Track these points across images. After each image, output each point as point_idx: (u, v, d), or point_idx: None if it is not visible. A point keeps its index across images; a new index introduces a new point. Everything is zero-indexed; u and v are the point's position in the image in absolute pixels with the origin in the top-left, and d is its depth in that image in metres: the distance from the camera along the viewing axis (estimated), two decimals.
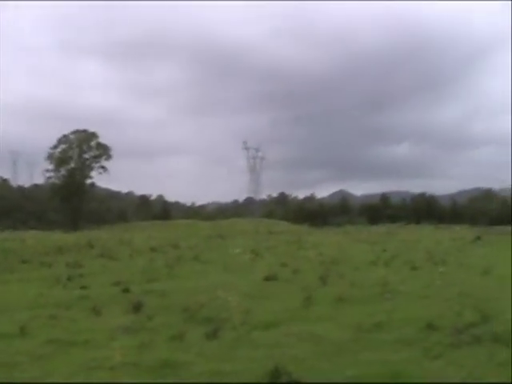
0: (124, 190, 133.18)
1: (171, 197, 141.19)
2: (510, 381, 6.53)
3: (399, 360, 7.53)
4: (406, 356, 7.80)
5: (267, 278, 17.17)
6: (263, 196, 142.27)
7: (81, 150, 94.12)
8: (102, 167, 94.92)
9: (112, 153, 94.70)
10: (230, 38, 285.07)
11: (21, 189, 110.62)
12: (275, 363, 6.85)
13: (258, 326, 10.21)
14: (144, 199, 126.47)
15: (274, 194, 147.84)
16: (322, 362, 7.69)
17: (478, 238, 41.05)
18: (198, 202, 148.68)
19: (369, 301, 12.79)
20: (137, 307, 12.08)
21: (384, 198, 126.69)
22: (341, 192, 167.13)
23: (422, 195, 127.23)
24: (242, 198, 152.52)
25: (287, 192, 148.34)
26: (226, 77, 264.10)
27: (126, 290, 15.02)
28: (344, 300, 12.85)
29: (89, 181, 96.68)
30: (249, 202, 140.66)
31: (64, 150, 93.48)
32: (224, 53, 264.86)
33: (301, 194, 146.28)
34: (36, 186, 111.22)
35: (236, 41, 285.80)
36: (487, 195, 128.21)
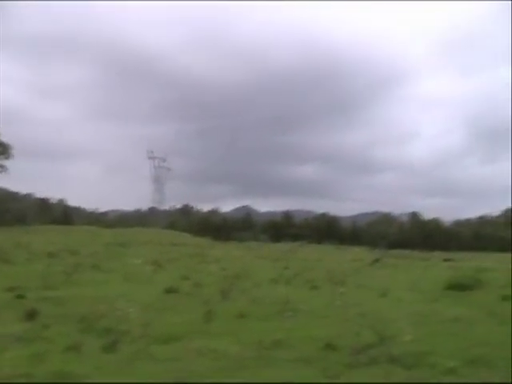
0: (23, 190, 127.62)
1: (73, 201, 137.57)
2: None
3: (298, 378, 7.49)
4: (305, 375, 7.78)
5: (168, 291, 16.83)
6: (166, 207, 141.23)
7: None
8: (1, 166, 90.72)
9: (13, 152, 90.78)
10: (140, 41, 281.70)
11: None
12: (174, 378, 6.64)
13: (157, 339, 9.94)
14: (44, 202, 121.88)
15: (178, 206, 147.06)
16: (221, 377, 7.54)
17: (377, 260, 42.31)
18: (101, 209, 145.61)
19: (269, 318, 12.74)
20: (31, 315, 11.49)
21: (287, 215, 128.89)
22: (245, 207, 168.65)
23: (324, 215, 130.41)
24: (145, 207, 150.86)
25: (191, 204, 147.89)
26: (133, 82, 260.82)
27: (21, 296, 14.32)
28: (245, 316, 12.76)
29: None
30: (152, 211, 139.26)
31: None
32: (133, 57, 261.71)
33: (205, 207, 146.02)
34: None
35: (146, 45, 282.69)
36: (386, 219, 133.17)
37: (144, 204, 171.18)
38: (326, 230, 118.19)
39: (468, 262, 44.42)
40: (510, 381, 7.70)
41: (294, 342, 9.99)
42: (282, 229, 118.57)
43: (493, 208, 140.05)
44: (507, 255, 76.52)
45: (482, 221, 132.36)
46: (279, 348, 9.51)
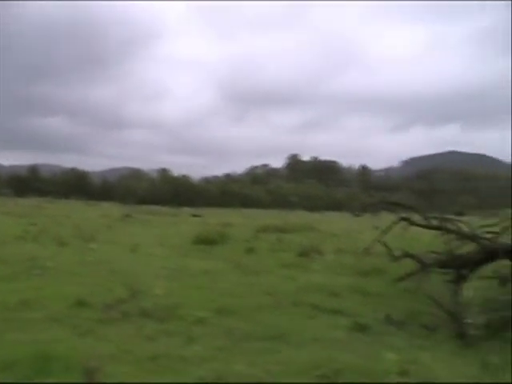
0: None
1: None
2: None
3: (48, 339, 7.21)
4: (55, 334, 7.53)
5: None
6: None
7: None
8: None
9: None
10: None
11: None
12: None
13: None
14: None
15: None
16: None
17: (127, 215, 42.38)
18: None
19: (16, 278, 12.05)
20: None
21: (33, 170, 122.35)
22: None
23: (73, 170, 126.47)
24: None
25: None
26: None
27: None
28: None
29: None
30: None
31: None
32: None
33: None
34: None
35: None
36: (136, 175, 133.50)
37: None
38: (75, 186, 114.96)
39: (215, 218, 46.57)
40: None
41: (43, 301, 9.57)
42: (28, 183, 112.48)
43: (238, 166, 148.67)
44: (251, 211, 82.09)
45: (229, 178, 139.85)
46: (27, 309, 9.07)
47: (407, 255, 12.19)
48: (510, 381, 6.24)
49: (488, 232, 12.54)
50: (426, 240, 12.95)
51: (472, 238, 12.01)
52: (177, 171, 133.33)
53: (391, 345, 7.54)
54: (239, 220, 43.52)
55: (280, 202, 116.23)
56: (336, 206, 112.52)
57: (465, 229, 12.37)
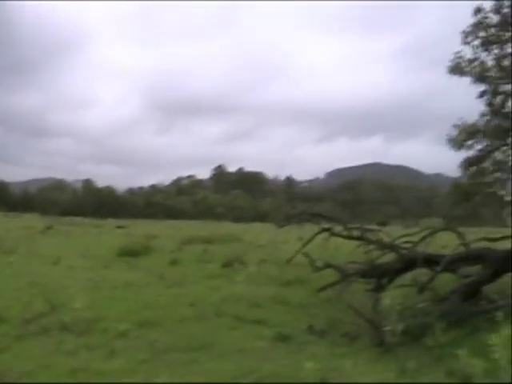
0: None
1: None
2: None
3: None
4: None
5: None
6: None
7: None
8: None
9: None
10: None
11: None
12: None
13: None
14: None
15: None
16: None
17: (49, 227, 41.24)
18: None
19: None
20: None
21: None
22: None
23: None
24: None
25: None
26: None
27: None
28: None
29: None
30: None
31: None
32: None
33: None
34: None
35: None
36: (59, 185, 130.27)
37: None
38: None
39: (140, 229, 46.01)
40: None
41: None
42: None
43: (165, 177, 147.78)
44: (177, 222, 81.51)
45: (154, 189, 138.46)
46: None
47: (329, 265, 12.44)
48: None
49: (407, 242, 12.99)
50: (347, 250, 13.26)
51: (391, 247, 12.42)
52: (102, 182, 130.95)
53: (313, 354, 7.67)
54: (164, 231, 43.14)
55: (206, 213, 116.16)
56: (261, 216, 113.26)
57: (385, 239, 12.78)
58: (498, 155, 17.09)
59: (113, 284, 13.61)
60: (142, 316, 9.72)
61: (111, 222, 65.55)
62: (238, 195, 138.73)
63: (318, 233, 12.55)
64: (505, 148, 17.05)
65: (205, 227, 56.55)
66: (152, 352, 7.58)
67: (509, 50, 16.05)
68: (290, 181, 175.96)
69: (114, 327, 8.75)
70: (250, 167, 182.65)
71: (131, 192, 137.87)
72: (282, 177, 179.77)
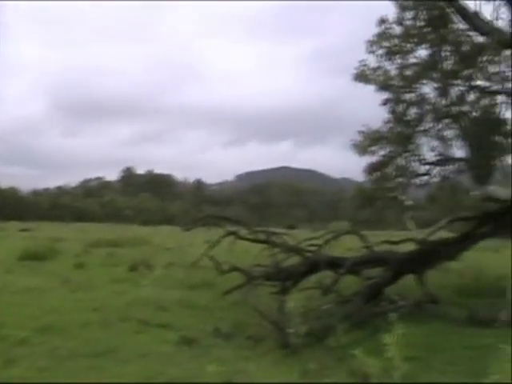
0: None
1: None
2: None
3: None
4: None
5: None
6: None
7: None
8: None
9: None
10: None
11: None
12: None
13: None
14: None
15: None
16: None
17: None
18: None
19: None
20: None
21: None
22: None
23: None
24: None
25: None
26: None
27: None
28: None
29: None
30: None
31: None
32: None
33: None
34: None
35: None
36: None
37: None
38: None
39: (45, 232, 44.63)
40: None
41: None
42: None
43: (72, 179, 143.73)
44: (83, 224, 79.52)
45: (61, 191, 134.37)
46: None
47: (235, 268, 12.45)
48: None
49: (312, 245, 13.23)
50: (254, 254, 13.35)
51: (296, 250, 12.60)
52: (5, 183, 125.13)
53: (218, 357, 7.65)
54: (70, 234, 42.03)
55: (114, 215, 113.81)
56: (169, 219, 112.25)
57: (290, 242, 12.94)
58: (400, 161, 17.75)
59: (14, 289, 13.12)
60: (43, 322, 9.41)
61: (15, 225, 63.04)
62: (146, 198, 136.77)
63: (224, 236, 12.54)
64: (406, 154, 17.73)
65: (112, 230, 55.41)
66: (54, 359, 7.33)
67: (411, 61, 16.72)
68: (199, 184, 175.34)
69: (14, 334, 8.42)
70: (160, 170, 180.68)
71: (36, 193, 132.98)
72: (192, 179, 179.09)
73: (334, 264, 12.63)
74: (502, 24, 14.24)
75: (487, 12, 14.31)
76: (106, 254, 23.54)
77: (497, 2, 14.30)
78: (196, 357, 7.72)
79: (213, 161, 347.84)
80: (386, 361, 4.48)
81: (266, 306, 10.01)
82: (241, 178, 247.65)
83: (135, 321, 10.10)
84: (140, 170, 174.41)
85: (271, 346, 8.68)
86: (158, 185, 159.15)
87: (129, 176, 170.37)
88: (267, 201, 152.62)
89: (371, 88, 17.16)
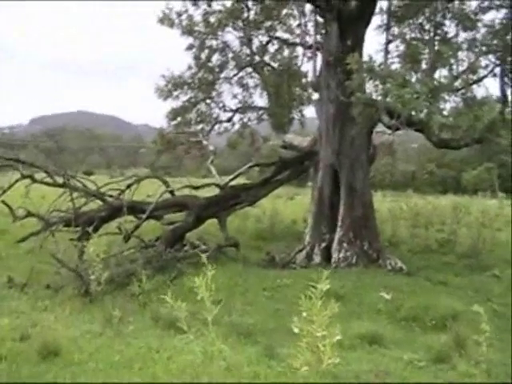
0: None
1: None
2: None
3: None
4: None
5: None
6: None
7: None
8: None
9: None
10: None
11: None
12: None
13: None
14: None
15: None
16: None
17: None
18: None
19: None
20: None
21: None
22: None
23: None
24: None
25: None
26: None
27: None
28: None
29: None
30: None
31: None
32: None
33: None
34: None
35: None
36: None
37: None
38: None
39: None
40: None
41: None
42: None
43: None
44: None
45: None
46: None
47: (30, 214, 11.62)
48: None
49: (113, 189, 12.83)
50: (51, 199, 12.51)
51: (97, 195, 12.13)
52: None
53: (14, 309, 7.16)
54: None
55: None
56: None
57: (91, 187, 12.40)
58: (202, 107, 17.81)
59: None
60: None
61: None
62: None
63: (18, 180, 11.59)
64: (208, 101, 17.82)
65: None
66: None
67: (216, 8, 16.63)
68: None
69: None
70: None
71: None
72: None
73: (136, 209, 12.42)
74: None
75: None
76: None
77: None
78: None
79: (3, 103, 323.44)
80: (196, 303, 4.42)
81: (64, 252, 9.48)
82: (34, 121, 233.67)
83: None
84: None
85: (71, 294, 8.30)
86: None
87: None
88: (61, 146, 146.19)
89: (177, 32, 16.82)
